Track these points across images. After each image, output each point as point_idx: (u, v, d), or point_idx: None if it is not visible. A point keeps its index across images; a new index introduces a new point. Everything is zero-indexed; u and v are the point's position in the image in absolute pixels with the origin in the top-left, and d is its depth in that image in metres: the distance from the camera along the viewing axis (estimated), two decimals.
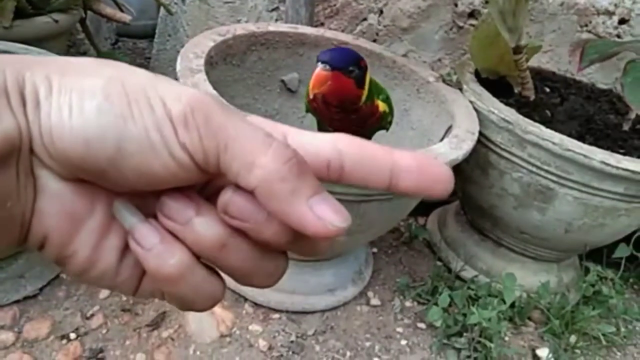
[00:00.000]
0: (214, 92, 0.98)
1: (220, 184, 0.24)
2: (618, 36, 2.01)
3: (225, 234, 0.23)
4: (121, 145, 0.22)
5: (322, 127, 0.91)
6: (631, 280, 1.50)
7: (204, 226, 0.23)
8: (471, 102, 1.20)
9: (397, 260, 1.42)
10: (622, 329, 1.33)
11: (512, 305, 1.28)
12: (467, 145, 1.04)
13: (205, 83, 1.00)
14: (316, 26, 1.77)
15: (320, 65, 0.68)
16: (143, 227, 0.24)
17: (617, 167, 1.05)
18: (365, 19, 1.81)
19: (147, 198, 0.24)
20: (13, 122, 0.21)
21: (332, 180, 0.24)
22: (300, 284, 1.19)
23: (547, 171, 1.12)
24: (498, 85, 1.35)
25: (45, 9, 1.32)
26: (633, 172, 1.05)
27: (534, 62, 1.95)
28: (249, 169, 0.22)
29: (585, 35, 1.99)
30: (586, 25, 1.99)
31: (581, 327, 1.28)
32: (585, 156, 1.06)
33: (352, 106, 0.78)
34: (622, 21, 1.99)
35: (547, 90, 1.48)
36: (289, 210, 0.22)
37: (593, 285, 1.35)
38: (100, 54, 1.73)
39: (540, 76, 1.49)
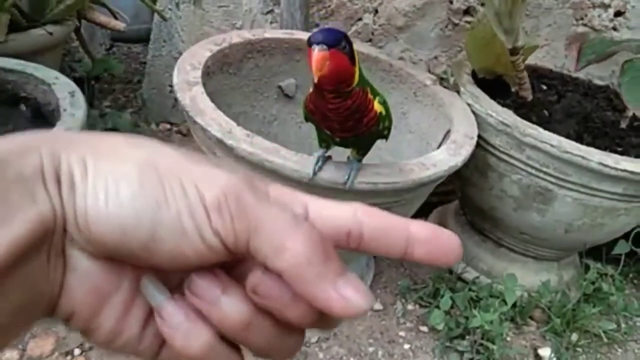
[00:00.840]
0: (211, 104, 0.98)
1: (246, 262, 0.25)
2: (614, 29, 2.01)
3: (251, 314, 0.24)
4: (155, 231, 0.22)
5: (321, 135, 0.90)
6: (631, 275, 1.51)
7: (230, 306, 0.24)
8: (469, 104, 1.20)
9: (398, 263, 1.42)
10: (623, 325, 1.34)
11: (514, 305, 1.29)
12: (466, 150, 1.04)
13: (202, 96, 1.00)
14: (311, 28, 1.77)
15: (317, 47, 0.68)
16: (169, 305, 0.24)
17: (616, 168, 1.05)
18: (360, 19, 1.81)
19: (172, 272, 0.25)
20: (48, 204, 0.22)
21: (350, 248, 0.25)
22: None
23: (546, 173, 1.12)
24: (495, 85, 1.35)
25: (40, 21, 1.31)
26: (631, 172, 1.05)
27: (530, 59, 1.96)
28: (277, 252, 0.22)
29: (581, 29, 1.99)
30: (582, 19, 1.99)
31: (582, 325, 1.29)
32: (583, 157, 1.06)
33: (347, 88, 0.76)
34: (618, 13, 1.99)
35: (544, 88, 1.48)
36: (316, 293, 0.22)
37: (593, 283, 1.36)
38: (94, 62, 1.73)
39: (537, 74, 1.49)
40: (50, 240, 0.22)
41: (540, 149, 1.10)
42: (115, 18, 1.63)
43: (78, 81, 1.73)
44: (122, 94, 1.91)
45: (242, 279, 0.24)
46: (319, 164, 0.89)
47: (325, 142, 0.91)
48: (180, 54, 1.74)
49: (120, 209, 0.22)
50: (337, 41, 0.69)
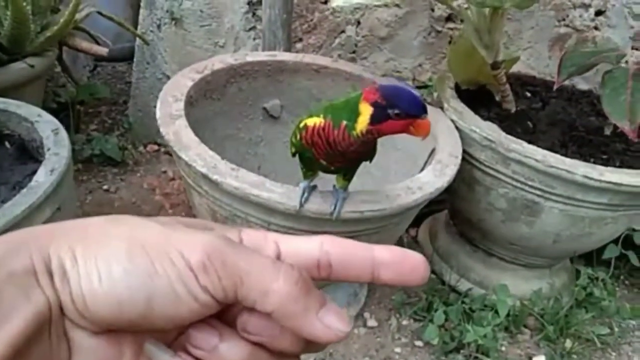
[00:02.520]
0: (195, 138, 0.98)
1: (235, 305, 0.27)
2: (596, 28, 2.02)
3: (248, 352, 0.26)
4: (150, 300, 0.24)
5: (311, 166, 0.90)
6: (622, 277, 1.52)
7: (229, 350, 0.26)
8: (453, 120, 1.21)
9: None
10: (616, 329, 1.36)
11: (507, 314, 1.30)
12: (451, 170, 1.05)
13: (186, 129, 1.00)
14: (294, 42, 1.77)
15: (424, 116, 0.73)
16: None
17: (600, 180, 1.06)
18: (343, 32, 1.81)
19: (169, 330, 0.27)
20: (43, 298, 0.23)
21: (322, 278, 0.27)
22: None
23: (531, 186, 1.13)
24: (479, 95, 1.36)
25: (20, 54, 1.31)
26: (615, 183, 1.06)
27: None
28: (264, 296, 0.25)
29: (563, 30, 2.00)
30: (564, 20, 2.00)
31: (576, 331, 1.30)
32: (567, 171, 1.07)
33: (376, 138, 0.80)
34: (599, 13, 2.00)
35: (528, 95, 1.49)
36: (302, 326, 0.25)
37: (585, 288, 1.37)
38: (79, 87, 1.72)
39: (521, 81, 1.50)
40: (50, 328, 0.24)
41: (525, 164, 1.11)
42: (97, 43, 1.63)
43: (63, 106, 1.74)
44: (109, 116, 1.91)
45: (234, 320, 0.27)
46: (305, 195, 0.89)
47: (312, 172, 0.91)
48: (165, 74, 1.75)
49: (114, 286, 0.24)
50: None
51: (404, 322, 1.30)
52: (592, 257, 1.45)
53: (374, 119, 0.74)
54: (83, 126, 1.83)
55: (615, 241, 1.38)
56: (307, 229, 0.94)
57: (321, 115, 0.82)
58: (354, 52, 1.85)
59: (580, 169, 1.07)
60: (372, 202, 0.92)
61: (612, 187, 1.07)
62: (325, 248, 0.27)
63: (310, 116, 0.84)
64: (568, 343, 1.29)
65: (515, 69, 1.92)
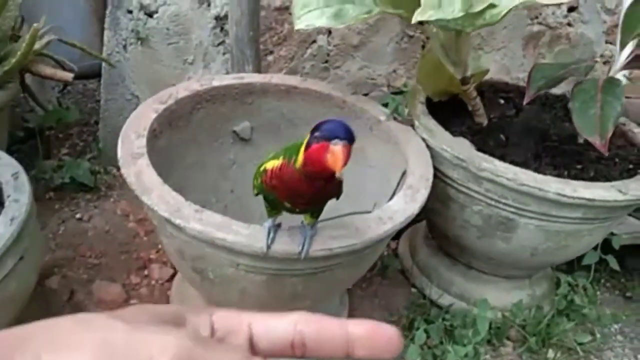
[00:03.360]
0: (158, 179, 0.95)
1: None
2: (569, 24, 2.01)
3: None
4: None
5: (275, 206, 0.88)
6: (602, 280, 1.52)
7: None
8: (424, 139, 1.19)
9: (372, 294, 1.42)
10: (598, 336, 1.36)
11: (490, 327, 1.29)
12: (422, 195, 1.03)
13: (148, 169, 0.97)
14: (265, 55, 1.74)
15: (341, 143, 0.68)
16: None
17: (573, 197, 1.05)
18: (314, 41, 1.78)
19: None
20: None
21: (297, 357, 0.27)
22: None
23: (505, 204, 1.12)
24: (451, 106, 1.34)
25: None
26: (588, 199, 1.05)
27: (488, 65, 1.95)
28: None
29: (536, 28, 1.99)
30: (536, 18, 1.99)
31: (558, 341, 1.30)
32: (540, 189, 1.06)
33: (330, 176, 0.75)
34: (571, 9, 1.99)
35: (502, 102, 1.47)
36: None
37: (566, 297, 1.37)
38: (47, 113, 1.68)
39: (494, 88, 1.48)
40: None
41: (497, 182, 1.09)
42: (63, 68, 1.58)
43: (32, 132, 1.70)
44: (80, 138, 1.87)
45: None
46: (271, 235, 0.87)
47: (276, 211, 0.89)
48: (134, 95, 1.72)
49: None
50: (354, 136, 0.70)
51: None
52: (572, 263, 1.45)
53: (306, 146, 0.72)
54: (54, 150, 1.79)
55: (595, 247, 1.38)
56: (276, 267, 0.92)
57: (280, 157, 0.80)
58: (326, 61, 1.82)
59: (553, 185, 1.06)
60: (342, 238, 0.90)
61: (585, 203, 1.06)
62: (299, 327, 0.27)
63: (270, 159, 0.82)
64: (551, 353, 1.29)
65: (490, 71, 1.91)
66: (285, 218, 0.92)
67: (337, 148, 0.68)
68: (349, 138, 0.69)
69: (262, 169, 0.83)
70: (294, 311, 0.28)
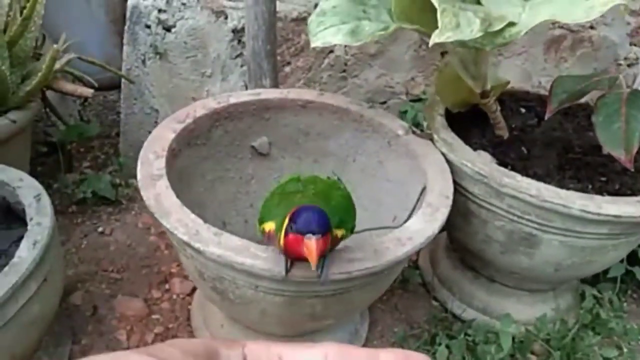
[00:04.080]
0: (177, 201, 0.95)
1: None
2: (591, 27, 1.96)
3: None
4: None
5: None
6: (629, 291, 1.49)
7: None
8: (443, 153, 1.17)
9: (392, 307, 1.41)
10: (625, 350, 1.33)
11: (513, 341, 1.27)
12: (442, 214, 1.02)
13: (167, 191, 0.98)
14: (283, 66, 1.74)
15: (314, 237, 0.71)
16: None
17: (598, 213, 1.03)
18: (331, 52, 1.77)
19: None
20: None
21: None
22: None
23: (528, 220, 1.10)
24: (471, 116, 1.32)
25: (1, 109, 1.29)
26: (614, 216, 1.03)
27: (509, 73, 1.92)
28: None
29: (558, 32, 1.95)
30: (557, 21, 1.95)
31: (583, 355, 1.28)
32: (564, 205, 1.04)
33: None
34: None
35: (523, 111, 1.45)
36: None
37: (591, 311, 1.34)
38: (68, 128, 1.71)
39: (515, 97, 1.46)
40: None
41: (519, 198, 1.07)
42: (83, 83, 1.60)
43: (54, 146, 1.72)
44: (101, 151, 1.89)
45: None
46: (290, 260, 0.87)
47: None
48: (153, 109, 1.73)
49: None
50: (327, 227, 0.72)
51: None
52: (597, 275, 1.42)
53: (285, 233, 0.75)
54: (76, 163, 1.82)
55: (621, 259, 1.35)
56: (295, 290, 0.91)
57: (274, 220, 0.82)
58: (344, 71, 1.82)
59: (577, 202, 1.04)
60: (360, 261, 0.89)
61: (611, 220, 1.04)
62: (330, 359, 0.27)
63: (268, 219, 0.85)
64: None
65: (510, 76, 1.88)
66: None
67: (310, 243, 0.71)
68: (322, 231, 0.71)
69: (261, 228, 0.86)
70: (324, 342, 0.28)
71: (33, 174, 1.56)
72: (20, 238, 0.99)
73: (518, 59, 1.95)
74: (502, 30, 0.87)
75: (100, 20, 2.16)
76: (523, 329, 1.31)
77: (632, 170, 1.05)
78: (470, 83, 1.14)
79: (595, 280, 1.44)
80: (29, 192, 1.06)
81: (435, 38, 0.83)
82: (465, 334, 1.26)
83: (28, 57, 1.38)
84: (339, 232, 0.80)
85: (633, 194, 1.14)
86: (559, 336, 1.29)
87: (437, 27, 0.87)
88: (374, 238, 0.97)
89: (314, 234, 0.71)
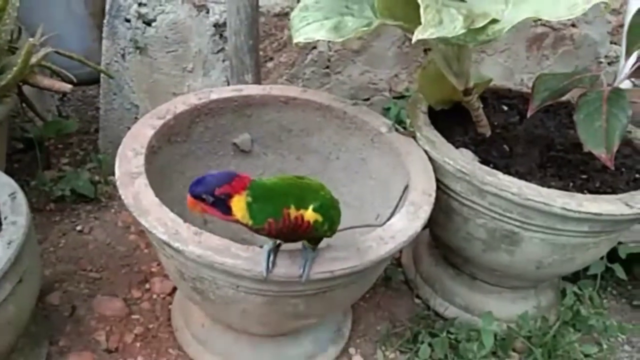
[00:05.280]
0: (156, 199, 0.94)
1: None
2: (573, 25, 1.98)
3: None
4: None
5: None
6: (609, 288, 1.51)
7: None
8: (426, 151, 1.17)
9: (375, 304, 1.40)
10: (604, 346, 1.34)
11: (495, 338, 1.28)
12: (425, 212, 1.02)
13: (146, 190, 0.96)
14: (265, 62, 1.72)
15: (188, 193, 0.78)
16: None
17: (579, 211, 1.03)
18: (315, 47, 1.76)
19: None
20: None
21: None
22: (280, 358, 1.18)
23: (510, 217, 1.10)
24: (454, 114, 1.32)
25: None
26: (594, 214, 1.03)
27: (491, 70, 1.93)
28: None
29: (540, 29, 1.96)
30: (540, 19, 1.96)
31: (564, 352, 1.29)
32: (545, 203, 1.04)
33: (247, 227, 0.80)
34: None
35: (505, 108, 1.45)
36: None
37: (571, 308, 1.35)
38: (46, 124, 1.67)
39: (497, 95, 1.46)
40: None
41: (501, 196, 1.07)
42: (61, 78, 1.57)
43: (31, 142, 1.68)
44: (80, 147, 1.86)
45: None
46: (271, 258, 0.86)
47: None
48: (133, 104, 1.70)
49: None
50: (196, 193, 0.77)
51: (391, 356, 1.28)
52: (578, 272, 1.43)
53: None
54: (54, 160, 1.78)
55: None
56: (276, 290, 0.90)
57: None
58: (327, 67, 1.80)
59: (558, 200, 1.04)
60: (343, 260, 0.88)
61: (591, 217, 1.04)
62: None
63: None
64: None
65: (493, 74, 1.88)
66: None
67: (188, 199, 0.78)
68: (190, 192, 0.78)
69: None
70: None
71: (9, 171, 1.52)
72: None
73: (500, 56, 1.96)
74: (485, 27, 0.86)
75: (80, 13, 2.12)
76: (505, 327, 1.31)
77: (613, 168, 1.06)
78: (453, 80, 1.14)
79: (576, 277, 1.46)
80: (4, 190, 1.03)
81: (419, 34, 0.82)
82: (448, 332, 1.26)
83: (3, 50, 1.35)
84: (311, 216, 0.78)
85: (613, 191, 1.15)
86: (540, 333, 1.30)
87: (420, 24, 0.87)
88: (357, 237, 0.96)
89: (189, 190, 0.78)
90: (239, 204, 0.76)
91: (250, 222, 0.77)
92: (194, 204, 0.78)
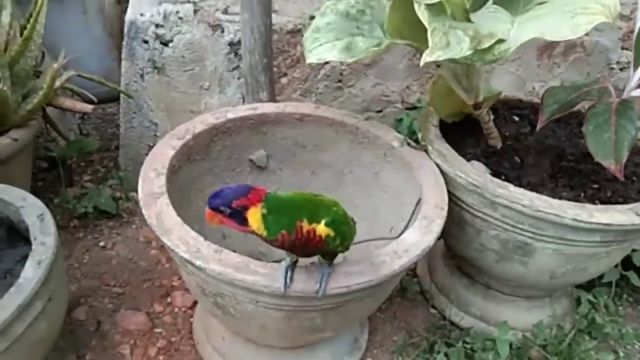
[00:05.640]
0: (178, 219, 0.98)
1: None
2: (586, 33, 1.98)
3: None
4: None
5: None
6: (625, 295, 1.51)
7: None
8: (437, 164, 1.19)
9: (391, 315, 1.43)
10: (621, 354, 1.35)
11: (510, 347, 1.29)
12: (437, 225, 1.04)
13: (168, 209, 1.00)
14: (279, 77, 1.76)
15: (207, 205, 0.82)
16: None
17: (590, 222, 1.05)
18: (327, 62, 1.79)
19: None
20: None
21: None
22: None
23: (522, 229, 1.12)
24: (466, 126, 1.34)
25: (2, 128, 1.31)
26: (605, 224, 1.05)
27: (501, 80, 1.94)
28: None
29: None
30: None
31: None
32: (556, 215, 1.06)
33: (261, 238, 0.83)
34: None
35: (516, 119, 1.47)
36: None
37: (586, 316, 1.36)
38: (68, 143, 1.73)
39: (508, 106, 1.48)
40: None
41: (513, 209, 1.09)
42: (82, 99, 1.62)
43: (55, 161, 1.74)
44: (101, 165, 1.91)
45: None
46: (289, 274, 0.89)
47: None
48: (152, 122, 1.75)
49: None
50: (214, 205, 0.81)
51: None
52: (593, 280, 1.44)
53: None
54: (77, 178, 1.84)
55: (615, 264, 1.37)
56: (294, 304, 0.94)
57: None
58: (340, 81, 1.84)
59: (569, 211, 1.06)
60: (358, 274, 0.91)
61: (602, 228, 1.06)
62: None
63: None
64: None
65: (504, 83, 1.90)
66: None
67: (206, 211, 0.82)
68: (208, 204, 0.81)
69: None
70: None
71: (34, 189, 1.59)
72: (25, 257, 1.01)
73: (512, 65, 1.97)
74: (491, 47, 0.89)
75: (98, 34, 2.19)
76: (520, 336, 1.33)
77: (622, 179, 1.07)
78: (462, 95, 1.16)
79: (590, 285, 1.46)
80: (32, 211, 1.08)
81: (427, 57, 0.85)
82: (464, 342, 1.28)
83: (29, 75, 1.40)
84: (323, 230, 0.81)
85: (624, 201, 1.17)
86: (556, 342, 1.31)
87: (428, 43, 0.90)
88: (371, 251, 0.99)
89: (207, 202, 0.81)
90: (255, 216, 0.80)
91: (264, 233, 0.80)
92: (212, 216, 0.81)
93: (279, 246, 0.84)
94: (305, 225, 0.80)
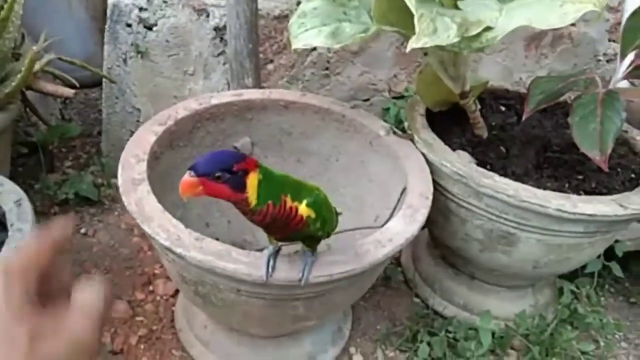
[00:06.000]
0: (159, 206, 0.96)
1: None
2: (573, 25, 1.99)
3: None
4: None
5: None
6: (607, 286, 1.52)
7: None
8: (423, 154, 1.19)
9: (375, 304, 1.43)
10: (602, 344, 1.36)
11: (493, 336, 1.30)
12: (422, 215, 1.04)
13: (149, 197, 0.98)
14: (265, 64, 1.74)
15: (187, 173, 0.71)
16: None
17: (574, 213, 1.05)
18: (314, 49, 1.77)
19: None
20: None
21: None
22: (281, 358, 1.20)
23: (506, 219, 1.12)
24: (453, 115, 1.33)
25: None
26: (589, 215, 1.05)
27: (489, 70, 1.94)
28: None
29: (538, 29, 1.97)
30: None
31: (562, 350, 1.30)
32: (541, 205, 1.06)
33: (244, 209, 0.78)
34: None
35: (503, 109, 1.47)
36: None
37: (569, 306, 1.37)
38: (50, 129, 1.69)
39: (495, 95, 1.48)
40: None
41: (497, 199, 1.09)
42: (64, 83, 1.59)
43: (35, 146, 1.71)
44: (83, 151, 1.88)
45: None
46: (271, 263, 0.88)
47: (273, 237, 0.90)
48: (135, 108, 1.72)
49: None
50: (208, 171, 0.71)
51: (391, 355, 1.30)
52: (576, 271, 1.45)
53: None
54: (58, 164, 1.80)
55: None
56: (277, 293, 0.93)
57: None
58: (327, 69, 1.82)
59: (554, 201, 1.06)
60: (342, 264, 0.90)
61: (586, 219, 1.06)
62: None
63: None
64: None
65: (492, 74, 1.89)
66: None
67: (183, 178, 0.72)
68: (196, 170, 0.71)
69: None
70: None
71: (14, 175, 1.55)
72: (1, 243, 0.99)
73: (499, 56, 1.97)
74: (479, 35, 0.88)
75: (81, 17, 2.14)
76: (503, 325, 1.33)
77: (607, 170, 1.07)
78: (449, 84, 1.15)
79: (573, 275, 1.47)
80: (10, 197, 1.05)
81: (413, 44, 0.84)
82: (447, 331, 1.28)
83: (7, 58, 1.37)
84: (305, 211, 0.79)
85: (609, 192, 1.17)
86: (538, 331, 1.32)
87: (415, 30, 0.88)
88: (355, 240, 0.98)
89: (189, 170, 0.71)
90: (253, 182, 0.75)
91: (254, 202, 0.75)
92: (194, 186, 0.72)
93: (260, 221, 0.79)
94: (289, 202, 0.78)
